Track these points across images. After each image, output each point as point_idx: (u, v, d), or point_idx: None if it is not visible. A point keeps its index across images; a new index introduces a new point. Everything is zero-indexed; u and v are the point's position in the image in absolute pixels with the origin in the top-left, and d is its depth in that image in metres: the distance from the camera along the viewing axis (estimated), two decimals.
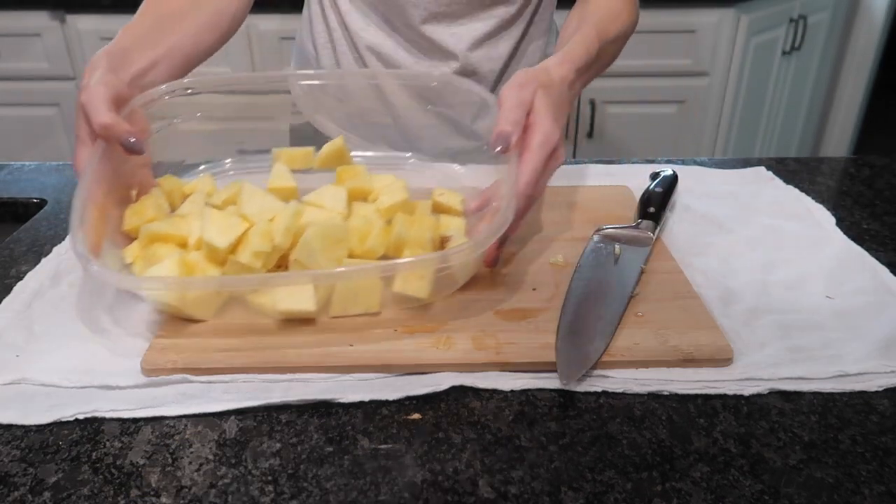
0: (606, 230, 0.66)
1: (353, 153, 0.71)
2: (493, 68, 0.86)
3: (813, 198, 0.76)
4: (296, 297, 0.53)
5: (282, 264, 0.58)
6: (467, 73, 0.85)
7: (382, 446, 0.45)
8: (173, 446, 0.46)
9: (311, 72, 0.86)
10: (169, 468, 0.44)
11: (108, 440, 0.46)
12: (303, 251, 0.54)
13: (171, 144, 0.70)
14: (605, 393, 0.49)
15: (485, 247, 0.51)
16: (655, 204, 0.69)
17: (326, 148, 0.69)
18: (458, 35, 0.83)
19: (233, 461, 0.44)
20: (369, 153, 0.78)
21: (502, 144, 0.54)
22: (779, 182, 0.80)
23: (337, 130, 0.92)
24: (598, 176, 0.82)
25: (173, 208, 0.63)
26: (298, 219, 0.58)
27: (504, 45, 0.85)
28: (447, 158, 0.93)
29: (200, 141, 0.71)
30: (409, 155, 0.94)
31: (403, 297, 0.54)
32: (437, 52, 0.83)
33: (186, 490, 0.42)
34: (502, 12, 0.83)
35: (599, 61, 0.71)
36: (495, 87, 0.88)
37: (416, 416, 0.48)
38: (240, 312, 0.56)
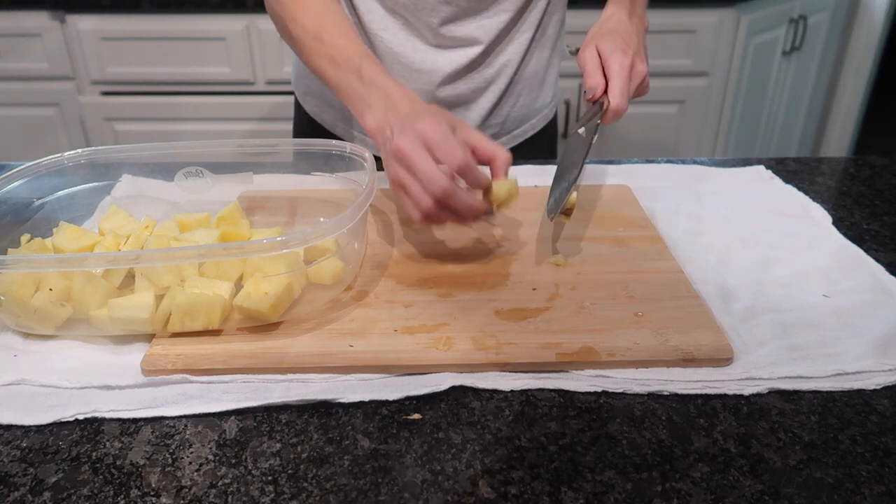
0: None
1: (353, 155, 0.70)
2: (515, 52, 0.87)
3: (812, 198, 0.76)
4: (132, 305, 0.52)
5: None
6: (490, 55, 0.86)
7: (382, 446, 0.45)
8: (173, 446, 0.46)
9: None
10: (169, 468, 0.44)
11: (108, 440, 0.46)
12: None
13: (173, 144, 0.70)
14: (605, 393, 0.49)
15: (331, 234, 0.52)
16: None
17: (222, 211, 0.66)
18: (484, 27, 0.83)
19: (233, 461, 0.44)
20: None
21: (592, 94, 0.70)
22: (777, 181, 0.80)
23: (344, 130, 0.92)
24: (598, 176, 0.82)
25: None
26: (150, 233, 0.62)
27: (524, 33, 0.86)
28: None
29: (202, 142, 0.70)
30: None
31: (246, 312, 0.54)
32: (461, 42, 0.84)
33: (186, 490, 0.42)
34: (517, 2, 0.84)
35: None
36: (513, 77, 0.89)
37: (416, 416, 0.48)
38: (83, 327, 0.55)
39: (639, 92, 0.73)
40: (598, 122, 0.68)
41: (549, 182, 0.80)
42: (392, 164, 0.59)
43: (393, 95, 0.64)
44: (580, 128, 0.69)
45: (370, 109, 0.65)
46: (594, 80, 0.70)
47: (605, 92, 0.70)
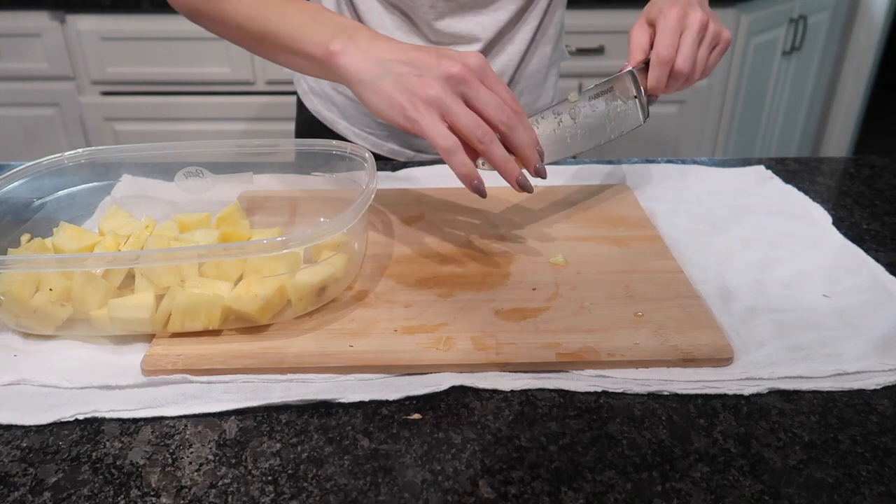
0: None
1: (353, 156, 0.70)
2: (515, 52, 0.86)
3: (812, 198, 0.76)
4: (132, 305, 0.52)
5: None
6: (489, 53, 0.85)
7: (382, 446, 0.45)
8: (173, 446, 0.46)
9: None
10: (169, 468, 0.44)
11: (108, 440, 0.46)
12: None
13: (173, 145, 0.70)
14: (605, 393, 0.49)
15: (331, 234, 0.52)
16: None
17: (222, 212, 0.66)
18: (483, 24, 0.83)
19: (233, 461, 0.44)
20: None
21: (634, 63, 0.67)
22: (778, 181, 0.80)
23: (347, 128, 0.92)
24: (598, 176, 0.82)
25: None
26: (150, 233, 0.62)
27: (524, 33, 0.86)
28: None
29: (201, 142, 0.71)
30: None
31: (236, 314, 0.54)
32: (459, 40, 0.84)
33: (186, 490, 0.42)
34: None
35: None
36: (513, 76, 0.88)
37: (416, 416, 0.48)
38: (83, 327, 0.54)
39: (713, 43, 0.67)
40: (630, 83, 0.66)
41: (549, 182, 0.80)
42: (432, 83, 0.54)
43: (367, 31, 0.59)
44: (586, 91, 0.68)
45: (345, 36, 0.58)
46: (633, 57, 0.68)
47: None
